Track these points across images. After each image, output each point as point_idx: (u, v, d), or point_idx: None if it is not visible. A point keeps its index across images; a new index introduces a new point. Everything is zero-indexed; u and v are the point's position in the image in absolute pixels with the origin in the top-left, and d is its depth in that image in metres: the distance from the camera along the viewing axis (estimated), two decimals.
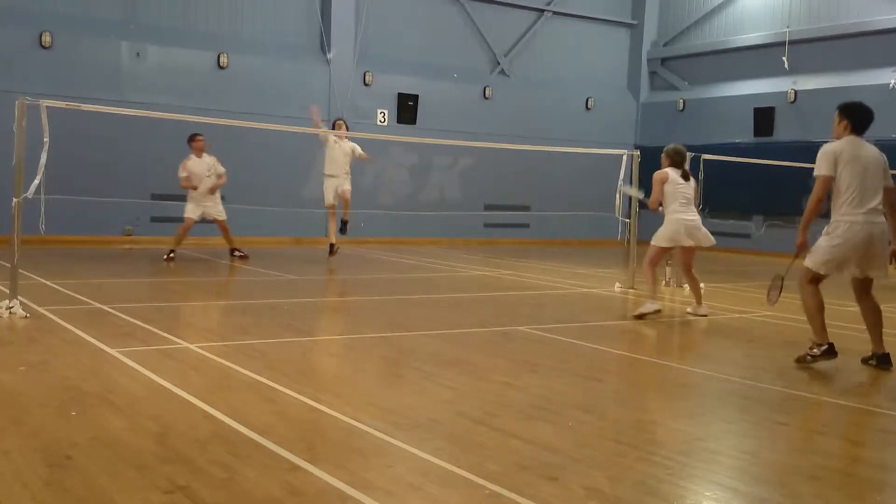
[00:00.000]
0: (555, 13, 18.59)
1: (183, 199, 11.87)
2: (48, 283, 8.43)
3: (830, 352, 5.57)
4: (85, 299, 7.54)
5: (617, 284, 10.08)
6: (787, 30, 16.76)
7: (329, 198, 11.74)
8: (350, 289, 9.75)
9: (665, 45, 19.79)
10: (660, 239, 7.86)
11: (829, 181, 5.47)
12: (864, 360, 5.75)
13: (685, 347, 7.05)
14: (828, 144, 5.57)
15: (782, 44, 16.75)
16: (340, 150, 11.81)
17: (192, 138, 11.33)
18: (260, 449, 3.56)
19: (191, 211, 11.32)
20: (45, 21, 13.32)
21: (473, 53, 17.78)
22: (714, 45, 18.62)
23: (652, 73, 19.97)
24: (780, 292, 6.19)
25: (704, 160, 10.60)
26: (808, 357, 5.64)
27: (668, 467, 3.56)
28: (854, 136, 5.62)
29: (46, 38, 13.20)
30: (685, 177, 7.98)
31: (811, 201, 5.51)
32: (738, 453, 3.91)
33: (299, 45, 15.83)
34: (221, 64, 14.68)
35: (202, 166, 11.26)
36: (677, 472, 3.53)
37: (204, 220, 11.57)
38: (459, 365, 5.49)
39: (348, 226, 11.90)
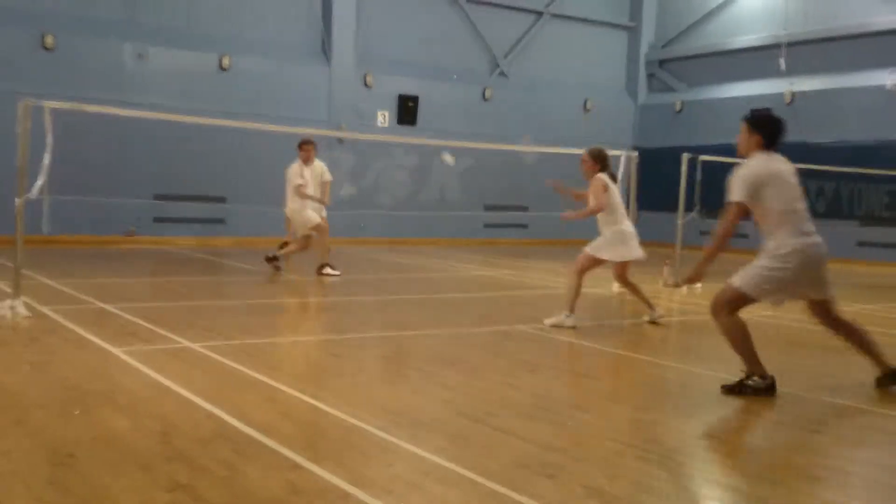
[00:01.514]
0: (554, 15, 18.63)
1: (182, 199, 11.89)
2: (51, 282, 8.45)
3: (773, 388, 4.82)
4: (88, 299, 7.56)
5: (615, 284, 10.10)
6: (784, 32, 16.79)
7: (315, 218, 10.32)
8: (350, 289, 9.77)
9: (663, 47, 19.83)
10: (608, 251, 7.07)
11: (743, 209, 4.79)
12: (879, 383, 5.04)
13: (684, 347, 7.08)
14: (743, 167, 4.84)
15: (779, 46, 16.79)
16: (311, 171, 10.53)
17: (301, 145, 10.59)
18: (262, 448, 3.58)
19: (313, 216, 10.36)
20: (48, 22, 13.35)
21: (473, 55, 17.81)
22: (711, 47, 18.67)
23: (650, 75, 20.01)
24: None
25: (702, 161, 10.63)
26: (747, 388, 4.81)
27: (667, 466, 3.59)
28: (768, 152, 4.90)
29: (49, 40, 13.22)
30: (614, 179, 7.22)
31: (723, 231, 4.82)
32: (735, 452, 3.94)
33: (300, 46, 15.86)
34: (223, 65, 14.71)
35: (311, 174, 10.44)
36: (676, 472, 3.55)
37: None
38: (459, 364, 5.52)
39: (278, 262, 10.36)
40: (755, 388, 4.78)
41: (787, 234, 4.71)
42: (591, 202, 7.11)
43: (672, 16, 19.68)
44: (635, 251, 7.15)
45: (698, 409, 4.80)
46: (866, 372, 5.57)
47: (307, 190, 10.21)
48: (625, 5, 19.89)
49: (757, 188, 4.73)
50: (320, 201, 10.45)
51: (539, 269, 12.46)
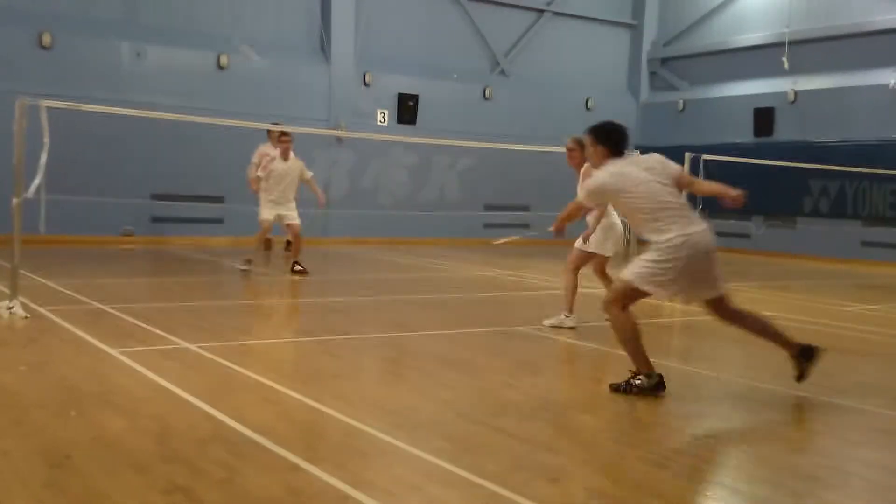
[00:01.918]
0: (555, 13, 18.60)
1: (180, 199, 11.86)
2: (48, 283, 8.43)
3: (661, 385, 4.73)
4: (85, 299, 7.54)
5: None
6: (787, 30, 16.77)
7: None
8: (350, 289, 9.75)
9: (665, 45, 19.81)
10: (603, 247, 6.96)
11: (583, 208, 5.06)
12: (797, 367, 4.82)
13: (684, 348, 7.05)
14: (596, 177, 4.86)
15: (782, 44, 16.76)
16: (285, 167, 9.96)
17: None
18: (260, 449, 3.56)
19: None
20: (45, 21, 13.33)
21: (473, 53, 17.79)
22: (714, 46, 18.64)
23: (652, 74, 19.98)
24: None
25: (705, 160, 10.60)
26: (632, 387, 4.75)
27: (668, 467, 3.57)
28: (616, 159, 4.84)
29: (46, 38, 13.20)
30: None
31: (564, 214, 5.24)
32: (737, 453, 3.92)
33: (299, 45, 15.84)
34: (221, 64, 14.68)
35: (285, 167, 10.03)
36: (677, 472, 3.53)
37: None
38: (460, 365, 5.50)
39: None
40: (640, 387, 4.73)
41: (667, 228, 4.60)
42: (580, 195, 6.98)
43: (674, 14, 19.65)
44: (613, 248, 7.05)
45: (699, 409, 4.77)
46: (866, 372, 5.55)
47: (261, 184, 9.99)
48: (627, 3, 19.87)
49: (606, 196, 4.82)
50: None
51: (539, 269, 12.43)
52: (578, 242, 7.02)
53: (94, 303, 7.36)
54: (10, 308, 6.43)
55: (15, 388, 4.46)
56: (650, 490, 3.28)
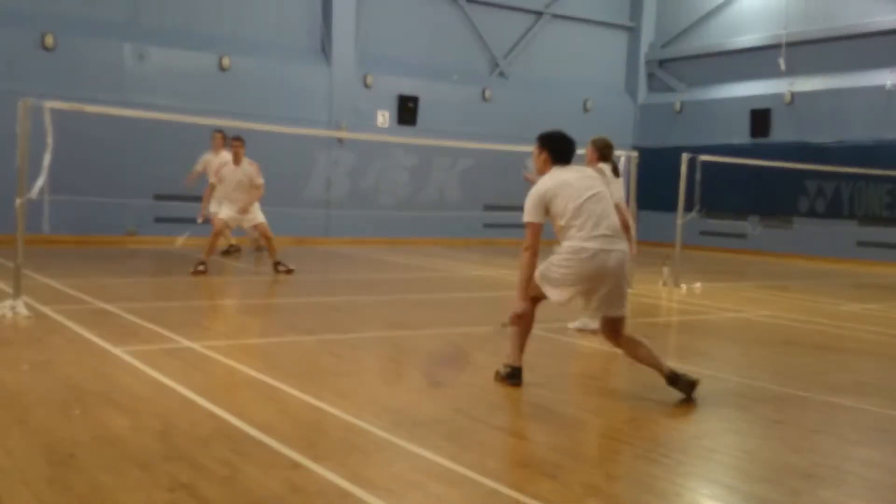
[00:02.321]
0: (553, 16, 18.63)
1: (183, 199, 11.84)
2: (51, 282, 8.45)
3: (515, 376, 4.92)
4: (88, 299, 7.57)
5: None
6: (784, 32, 16.81)
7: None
8: (350, 289, 9.78)
9: (663, 47, 19.85)
10: None
11: (540, 228, 4.78)
12: (673, 386, 4.76)
13: (682, 347, 7.08)
14: (535, 187, 4.87)
15: (779, 46, 16.80)
16: (233, 175, 9.87)
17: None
18: (262, 447, 3.58)
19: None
20: (48, 22, 13.35)
21: (473, 55, 17.82)
22: (711, 48, 18.68)
23: (650, 75, 20.02)
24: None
25: (701, 161, 10.64)
26: (498, 374, 4.99)
27: (666, 465, 3.59)
28: (558, 166, 4.88)
29: (49, 40, 13.22)
30: (616, 173, 7.01)
31: (526, 258, 4.77)
32: (734, 451, 3.94)
33: (300, 47, 15.87)
34: (223, 66, 14.71)
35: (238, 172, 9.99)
36: (675, 470, 3.56)
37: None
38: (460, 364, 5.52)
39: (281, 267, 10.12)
40: (504, 374, 4.93)
41: (568, 239, 4.68)
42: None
43: (672, 16, 19.69)
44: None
45: (697, 408, 4.80)
46: (863, 371, 5.58)
47: (217, 190, 10.06)
48: (625, 5, 19.91)
49: (546, 204, 4.75)
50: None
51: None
52: None
53: (98, 302, 7.38)
54: (14, 307, 6.46)
55: (18, 387, 4.49)
56: (648, 487, 3.31)
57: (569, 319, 6.96)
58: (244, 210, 9.95)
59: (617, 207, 6.58)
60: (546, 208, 4.75)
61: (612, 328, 4.87)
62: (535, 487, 3.22)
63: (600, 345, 6.49)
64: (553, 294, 4.76)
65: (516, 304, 4.86)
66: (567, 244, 4.69)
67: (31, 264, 8.02)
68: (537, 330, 6.86)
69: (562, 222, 4.71)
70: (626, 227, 6.41)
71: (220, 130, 11.24)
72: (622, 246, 4.72)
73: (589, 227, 4.65)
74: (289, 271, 10.07)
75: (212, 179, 10.06)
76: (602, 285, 4.67)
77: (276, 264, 10.12)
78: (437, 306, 8.45)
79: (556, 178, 4.80)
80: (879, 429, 4.50)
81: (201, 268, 9.61)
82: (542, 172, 4.96)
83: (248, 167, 9.92)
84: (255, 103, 14.40)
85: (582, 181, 4.80)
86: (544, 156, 4.94)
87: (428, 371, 5.25)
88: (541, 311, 7.33)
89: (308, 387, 4.66)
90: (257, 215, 10.04)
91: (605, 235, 4.66)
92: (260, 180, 9.94)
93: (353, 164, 16.03)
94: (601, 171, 5.43)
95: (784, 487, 3.41)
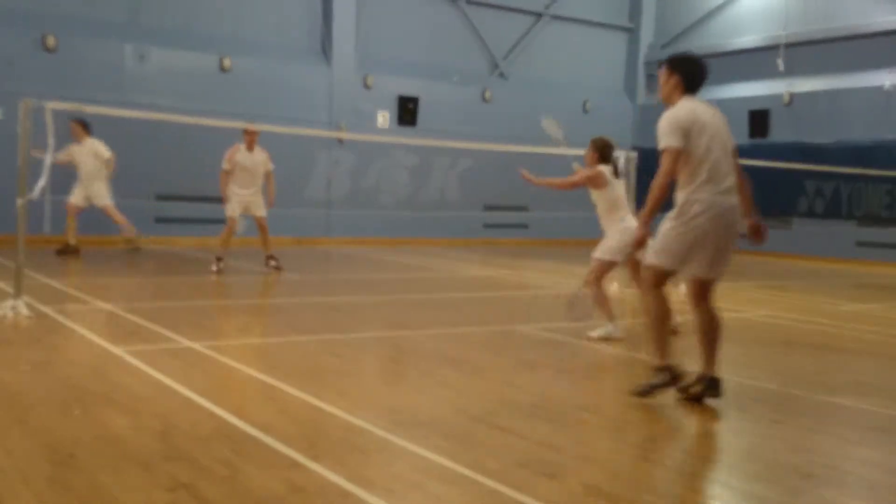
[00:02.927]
0: (553, 16, 18.64)
1: (184, 199, 11.85)
2: (52, 282, 8.46)
3: (673, 380, 4.48)
4: (88, 299, 7.57)
5: (615, 284, 10.11)
6: (783, 33, 16.82)
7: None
8: (350, 289, 9.78)
9: (662, 47, 19.85)
10: (605, 251, 6.53)
11: (679, 155, 4.34)
12: (684, 390, 4.55)
13: (682, 347, 7.07)
14: (670, 110, 4.50)
15: (777, 46, 16.81)
16: (250, 159, 10.21)
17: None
18: (262, 446, 3.59)
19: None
20: (49, 23, 13.36)
21: (473, 56, 17.83)
22: (710, 48, 18.65)
23: (649, 76, 20.02)
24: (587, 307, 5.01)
25: None
26: (650, 388, 4.51)
27: (667, 465, 3.60)
28: (689, 95, 4.52)
29: (50, 41, 13.23)
30: (616, 173, 6.71)
31: (659, 183, 4.33)
32: (734, 451, 3.95)
33: (301, 47, 15.87)
34: (224, 66, 14.72)
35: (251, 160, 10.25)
36: (675, 470, 3.57)
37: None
38: (459, 364, 5.53)
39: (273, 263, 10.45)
40: (656, 383, 4.51)
41: (691, 193, 4.35)
42: (574, 178, 6.64)
43: (671, 17, 19.70)
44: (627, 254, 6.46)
45: (697, 407, 4.80)
46: (862, 371, 5.58)
47: (235, 177, 10.13)
48: (624, 6, 19.92)
49: (686, 135, 4.35)
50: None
51: (539, 269, 12.47)
52: (598, 250, 6.57)
53: (98, 302, 7.39)
54: (15, 307, 6.46)
55: (19, 387, 4.49)
56: (648, 487, 3.32)
57: (556, 320, 6.95)
58: (256, 202, 10.27)
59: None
60: (686, 137, 4.30)
61: (703, 291, 4.53)
62: (536, 487, 3.22)
63: (600, 344, 6.49)
64: (668, 261, 4.39)
65: (636, 231, 4.51)
66: (693, 197, 4.33)
67: (32, 264, 8.04)
68: (536, 330, 6.89)
69: (689, 168, 4.32)
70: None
71: (77, 119, 10.83)
72: (736, 201, 4.44)
73: (719, 178, 4.33)
74: (278, 268, 10.39)
75: (225, 166, 10.19)
76: (719, 244, 4.37)
77: (269, 258, 10.49)
78: (437, 306, 8.45)
79: (692, 111, 4.38)
80: (879, 429, 4.50)
81: (220, 265, 10.04)
82: (668, 100, 4.55)
83: (261, 154, 10.28)
84: (255, 104, 14.41)
85: (716, 122, 4.40)
86: (675, 80, 4.54)
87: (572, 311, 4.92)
88: (541, 311, 7.33)
89: (308, 387, 4.66)
90: (262, 207, 10.35)
91: (729, 188, 4.38)
92: (271, 165, 10.37)
93: (353, 165, 16.04)
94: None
95: (783, 487, 3.41)
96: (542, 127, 7.37)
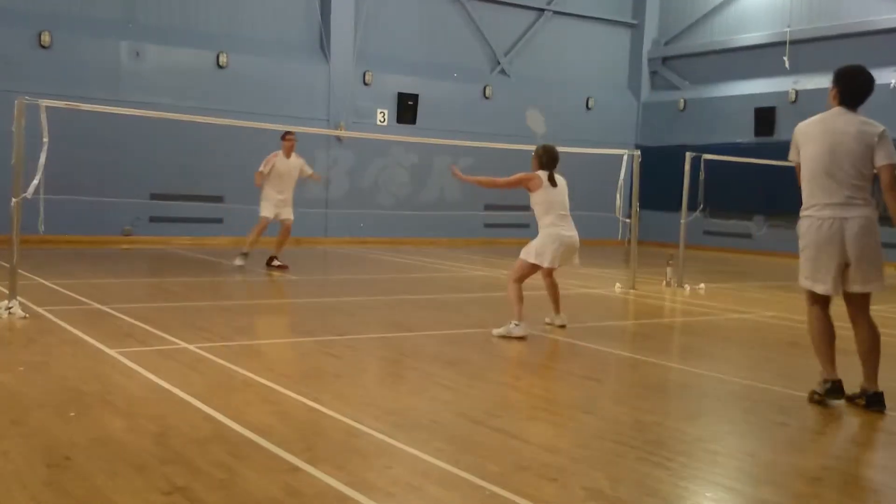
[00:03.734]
0: (555, 13, 18.59)
1: (179, 198, 11.81)
2: (47, 283, 8.42)
3: (835, 390, 4.59)
4: (84, 299, 7.53)
5: (617, 285, 10.07)
6: (788, 29, 16.77)
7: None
8: (350, 289, 9.74)
9: (666, 44, 19.80)
10: (530, 253, 6.65)
11: (799, 168, 4.58)
12: (851, 399, 4.66)
13: (685, 348, 7.04)
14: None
15: (783, 43, 16.76)
16: (286, 165, 10.62)
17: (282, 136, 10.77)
18: (259, 449, 3.55)
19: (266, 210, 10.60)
20: (45, 21, 13.32)
21: (473, 53, 17.78)
22: (715, 45, 18.63)
23: (653, 73, 19.97)
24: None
25: (705, 160, 10.58)
26: (815, 395, 4.68)
27: (668, 468, 3.56)
28: (842, 108, 4.61)
29: (46, 38, 13.19)
30: (552, 181, 6.75)
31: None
32: (738, 454, 3.90)
33: (299, 44, 15.83)
34: (221, 63, 14.68)
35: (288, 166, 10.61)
36: (677, 473, 3.52)
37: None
38: (459, 365, 5.49)
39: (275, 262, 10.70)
40: (823, 391, 4.65)
41: (803, 208, 4.62)
42: (509, 178, 6.83)
43: (675, 13, 19.64)
44: (555, 259, 6.61)
45: (701, 410, 4.77)
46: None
47: (268, 181, 10.54)
48: (627, 2, 19.86)
49: (797, 148, 4.58)
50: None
51: None
52: (524, 252, 6.70)
53: (94, 303, 7.35)
54: (9, 308, 6.43)
55: (14, 389, 4.45)
56: (650, 490, 3.27)
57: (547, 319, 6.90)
58: (287, 204, 10.65)
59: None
60: (797, 149, 4.53)
61: (853, 303, 4.67)
62: (536, 491, 3.19)
63: (600, 345, 6.45)
64: (803, 280, 4.64)
65: None
66: (803, 213, 4.57)
67: (27, 264, 8.00)
68: (537, 331, 6.84)
69: (804, 181, 4.54)
70: None
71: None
72: (861, 212, 4.56)
73: (822, 189, 4.50)
74: (283, 267, 10.57)
75: (263, 169, 10.52)
76: (841, 257, 4.49)
77: (273, 258, 10.69)
78: (437, 307, 8.41)
79: (820, 126, 4.56)
80: (885, 431, 4.47)
81: (276, 262, 10.57)
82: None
83: (297, 160, 10.72)
84: (253, 101, 14.37)
85: (840, 135, 4.50)
86: (833, 92, 4.66)
87: None
88: (541, 311, 7.29)
89: (306, 389, 4.62)
90: (291, 212, 10.72)
91: (845, 201, 4.52)
92: (309, 170, 10.91)
93: (352, 163, 16.00)
94: None
95: (788, 490, 3.38)
96: (527, 117, 7.45)
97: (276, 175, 10.48)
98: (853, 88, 4.62)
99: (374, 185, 16.22)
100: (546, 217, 6.70)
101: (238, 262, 10.54)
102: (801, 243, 4.58)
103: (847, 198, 4.50)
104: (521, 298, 6.57)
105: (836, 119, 4.57)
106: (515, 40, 18.28)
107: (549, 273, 6.94)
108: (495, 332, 6.52)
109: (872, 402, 4.57)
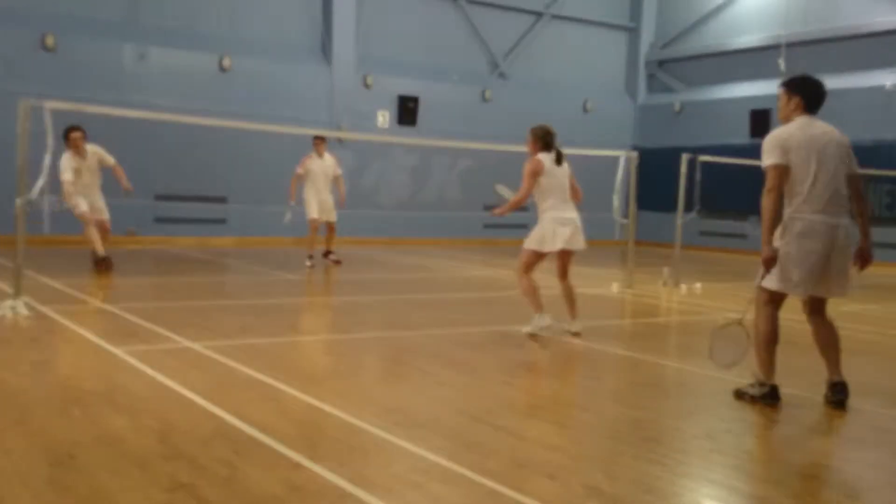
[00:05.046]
0: (553, 16, 18.63)
1: (183, 199, 11.83)
2: (51, 282, 8.44)
3: (772, 395, 4.65)
4: (88, 299, 7.56)
5: (615, 284, 10.11)
6: (784, 32, 16.80)
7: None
8: (351, 289, 9.77)
9: (662, 47, 19.84)
10: (532, 241, 6.55)
11: (784, 171, 4.49)
12: (826, 399, 4.74)
13: (683, 347, 7.08)
14: (774, 130, 4.67)
15: (778, 46, 16.80)
16: (321, 165, 11.23)
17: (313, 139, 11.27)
18: (261, 447, 3.58)
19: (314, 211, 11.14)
20: (49, 23, 13.34)
21: (473, 56, 17.81)
22: (711, 48, 18.68)
23: (649, 76, 20.01)
24: (746, 345, 4.82)
25: (701, 161, 10.64)
26: (746, 395, 4.72)
27: (666, 466, 3.58)
28: (807, 115, 4.66)
29: (50, 40, 13.21)
30: (559, 161, 6.57)
31: (768, 199, 4.46)
32: (735, 452, 3.93)
33: (300, 47, 15.86)
34: (224, 66, 14.70)
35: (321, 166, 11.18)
36: (675, 470, 3.55)
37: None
38: (459, 364, 5.52)
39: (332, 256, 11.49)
40: (752, 395, 4.73)
41: (793, 212, 4.54)
42: (524, 186, 6.54)
43: (672, 16, 19.69)
44: (558, 241, 6.45)
45: (698, 408, 4.80)
46: (866, 372, 5.57)
47: (304, 181, 11.19)
48: (624, 6, 19.90)
49: (786, 152, 4.51)
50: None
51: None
52: (526, 241, 6.62)
53: (97, 302, 7.38)
54: (14, 307, 6.45)
55: (18, 387, 4.48)
56: (648, 488, 3.30)
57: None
58: (329, 207, 11.27)
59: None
60: (785, 153, 4.48)
61: (814, 304, 4.74)
62: (536, 488, 3.22)
63: (599, 345, 6.48)
64: (781, 285, 4.58)
65: (762, 252, 4.55)
66: (794, 215, 4.50)
67: (32, 264, 8.01)
68: (536, 330, 6.86)
69: (789, 185, 4.50)
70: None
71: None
72: (845, 220, 4.57)
73: (820, 197, 4.48)
74: (337, 262, 11.40)
75: (299, 170, 11.14)
76: (827, 263, 4.52)
77: (328, 252, 11.53)
78: (437, 306, 8.44)
79: (802, 133, 4.56)
80: (880, 429, 4.49)
81: (332, 257, 11.43)
82: (787, 121, 4.70)
83: (329, 158, 11.28)
84: (255, 103, 14.39)
85: (825, 142, 4.56)
86: (796, 101, 4.69)
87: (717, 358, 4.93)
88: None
89: (308, 387, 4.66)
90: (334, 214, 11.36)
91: (834, 208, 4.52)
92: (339, 170, 11.45)
93: (353, 165, 16.01)
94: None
95: (785, 488, 3.40)
96: (495, 189, 7.45)
97: (313, 175, 11.10)
98: (816, 97, 4.74)
99: (374, 186, 16.25)
100: (545, 202, 6.54)
101: (308, 263, 11.10)
102: (787, 247, 4.53)
103: (835, 204, 4.56)
104: (534, 289, 6.53)
105: (814, 127, 4.64)
106: (514, 43, 18.32)
107: (563, 274, 6.74)
108: (524, 329, 6.49)
109: (838, 389, 4.67)
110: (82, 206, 9.63)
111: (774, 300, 4.71)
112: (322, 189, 11.15)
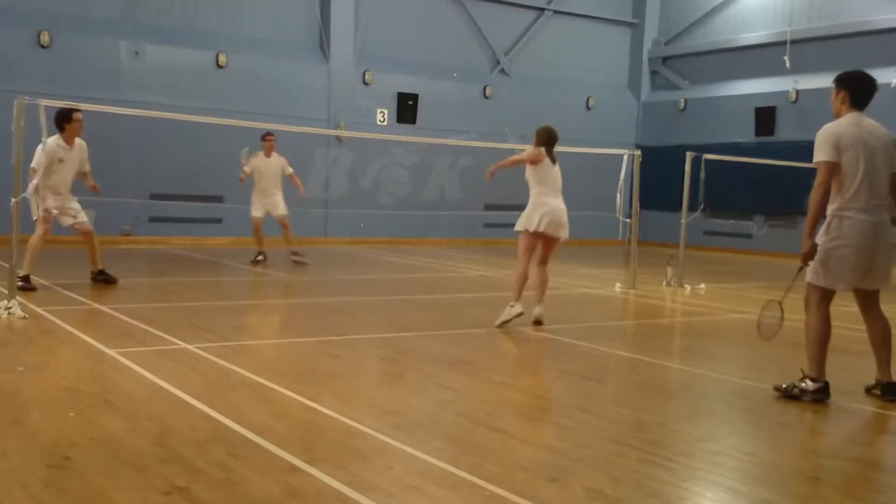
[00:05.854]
0: (555, 12, 18.58)
1: (179, 198, 11.81)
2: (47, 283, 8.41)
3: (824, 391, 4.75)
4: (83, 300, 7.53)
5: (618, 285, 10.06)
6: (789, 29, 16.76)
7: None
8: (350, 289, 9.73)
9: (666, 44, 19.78)
10: (521, 222, 7.03)
11: (834, 168, 4.56)
12: (868, 390, 4.96)
13: (686, 348, 7.04)
14: (827, 125, 4.71)
15: (783, 43, 16.76)
16: (266, 164, 11.09)
17: (262, 137, 11.20)
18: (259, 450, 3.55)
19: (255, 209, 11.12)
20: (44, 20, 13.31)
21: (473, 53, 17.77)
22: (715, 45, 18.62)
23: (653, 73, 19.96)
24: (780, 324, 5.20)
25: (706, 160, 10.57)
26: (796, 390, 4.79)
27: (669, 468, 3.55)
28: (855, 111, 4.74)
29: (45, 38, 13.18)
30: (553, 161, 7.12)
31: (816, 194, 4.56)
32: (739, 454, 3.89)
33: (299, 44, 15.81)
34: (220, 63, 14.66)
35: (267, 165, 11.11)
36: (678, 473, 3.52)
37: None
38: (459, 365, 5.48)
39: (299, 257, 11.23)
40: (802, 390, 4.81)
41: (839, 208, 4.62)
42: (521, 156, 7.13)
43: (675, 12, 19.63)
44: (547, 224, 6.90)
45: (700, 410, 4.76)
46: (866, 373, 5.51)
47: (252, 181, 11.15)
48: (627, 2, 19.85)
49: (838, 149, 4.58)
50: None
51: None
52: (518, 223, 7.07)
53: (93, 303, 7.34)
54: (9, 308, 6.42)
55: (13, 389, 4.45)
56: (651, 491, 3.26)
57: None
58: (275, 203, 11.09)
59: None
60: (838, 150, 4.56)
61: (866, 298, 4.82)
62: (537, 491, 3.18)
63: (601, 345, 6.44)
64: (827, 281, 4.68)
65: (802, 245, 4.69)
66: (840, 212, 4.59)
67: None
68: (537, 331, 6.82)
69: (844, 185, 4.57)
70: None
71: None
72: (887, 216, 4.67)
73: (863, 193, 4.56)
74: (302, 263, 11.07)
75: (246, 169, 11.08)
76: (872, 258, 4.61)
77: (293, 253, 11.27)
78: (437, 307, 8.40)
79: (855, 129, 4.63)
80: (885, 431, 4.46)
81: (259, 258, 11.08)
82: (837, 116, 4.77)
83: (278, 159, 11.12)
84: (252, 101, 14.36)
85: (875, 139, 4.65)
86: (843, 95, 4.78)
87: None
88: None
89: (306, 389, 4.62)
90: (281, 207, 11.11)
91: (879, 205, 4.61)
92: (290, 169, 11.23)
93: (352, 163, 15.98)
94: None
95: (789, 490, 3.38)
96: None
97: (258, 174, 10.98)
98: (863, 92, 4.81)
99: (373, 185, 16.20)
100: (537, 188, 7.00)
101: (259, 258, 11.08)
102: (834, 242, 4.63)
103: (881, 201, 4.68)
104: (524, 278, 6.91)
105: (864, 124, 4.73)
106: (516, 40, 18.27)
107: (543, 261, 7.18)
108: (497, 322, 6.81)
109: (888, 391, 4.78)
110: (50, 202, 7.92)
111: (827, 301, 4.81)
112: (268, 188, 10.97)
